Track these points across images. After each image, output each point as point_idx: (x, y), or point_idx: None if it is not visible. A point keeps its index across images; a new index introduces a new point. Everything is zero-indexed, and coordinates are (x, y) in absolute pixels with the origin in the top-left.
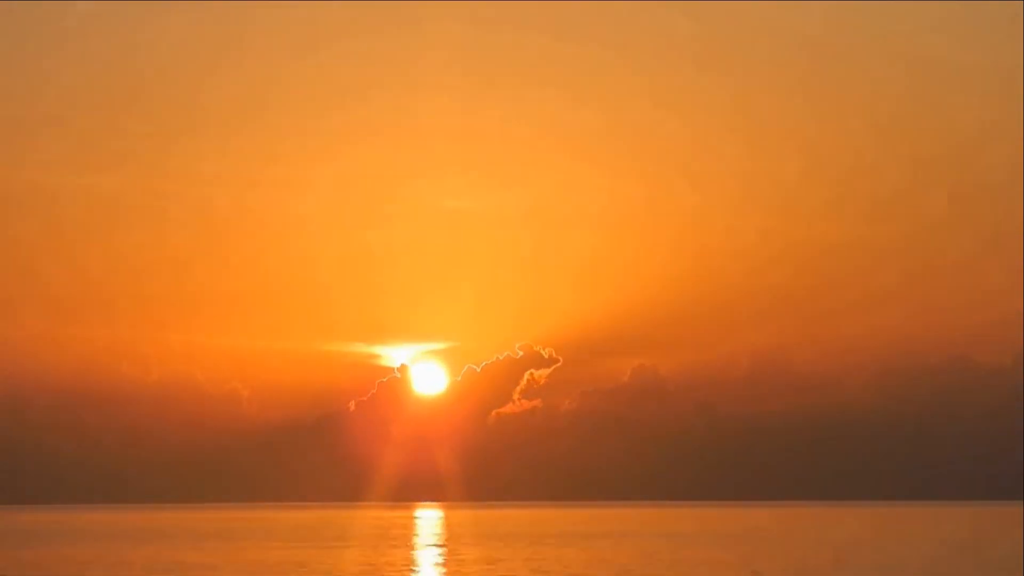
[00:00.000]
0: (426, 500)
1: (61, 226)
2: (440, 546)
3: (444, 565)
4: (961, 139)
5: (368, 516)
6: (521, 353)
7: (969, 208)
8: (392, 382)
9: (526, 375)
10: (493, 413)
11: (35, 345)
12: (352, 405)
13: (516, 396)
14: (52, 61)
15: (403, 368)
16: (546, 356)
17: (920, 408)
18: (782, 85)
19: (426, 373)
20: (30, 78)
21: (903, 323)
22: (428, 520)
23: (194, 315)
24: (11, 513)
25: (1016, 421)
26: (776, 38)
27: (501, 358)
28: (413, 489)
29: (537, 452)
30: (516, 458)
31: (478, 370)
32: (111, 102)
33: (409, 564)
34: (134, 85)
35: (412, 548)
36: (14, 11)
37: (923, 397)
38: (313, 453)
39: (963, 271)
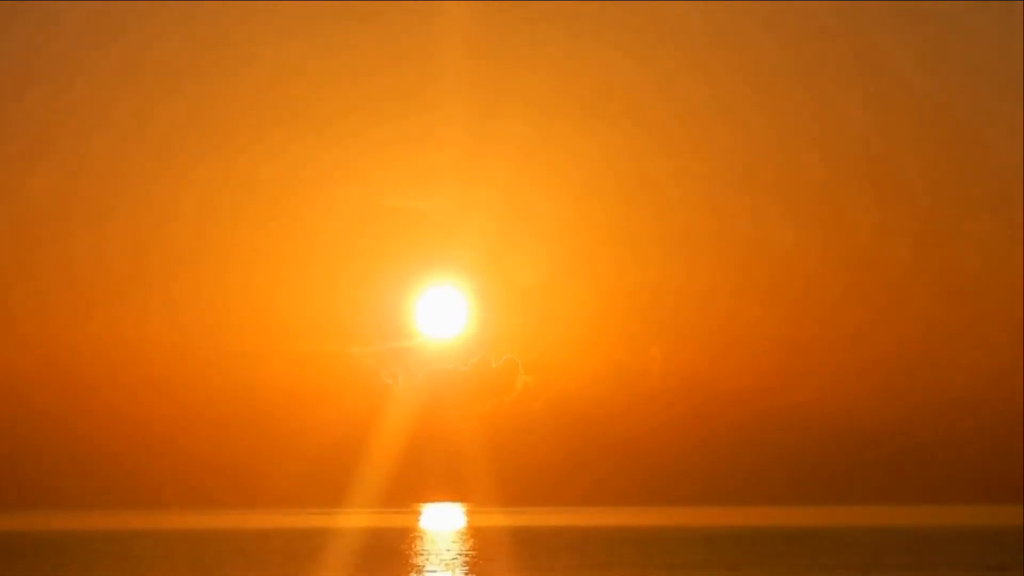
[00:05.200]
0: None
1: (44, 225)
2: None
3: None
4: (961, 138)
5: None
6: (502, 360)
7: (970, 207)
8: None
9: (514, 381)
10: (474, 413)
11: (31, 344)
12: (346, 407)
13: (494, 398)
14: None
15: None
16: (516, 362)
17: (921, 409)
18: (779, 87)
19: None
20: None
21: (903, 323)
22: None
23: (185, 316)
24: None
25: (1016, 423)
26: (771, 38)
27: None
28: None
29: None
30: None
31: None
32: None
33: None
34: (122, 82)
35: None
36: None
37: (924, 398)
38: (298, 457)
39: (963, 271)
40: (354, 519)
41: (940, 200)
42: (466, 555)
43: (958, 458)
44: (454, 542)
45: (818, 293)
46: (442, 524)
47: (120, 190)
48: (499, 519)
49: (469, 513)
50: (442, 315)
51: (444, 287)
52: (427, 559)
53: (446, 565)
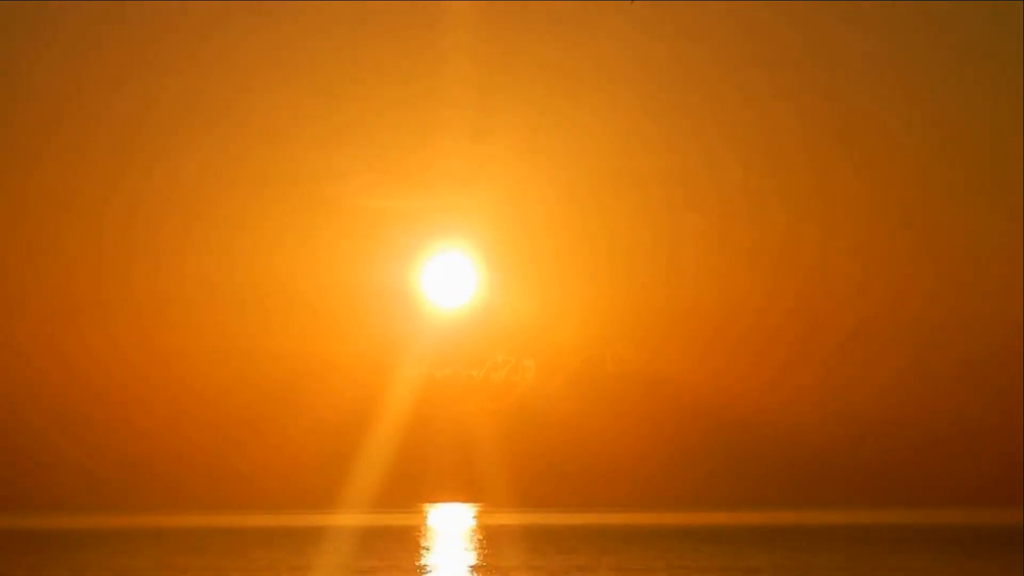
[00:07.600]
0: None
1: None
2: None
3: None
4: (960, 139)
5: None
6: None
7: (969, 206)
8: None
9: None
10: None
11: (30, 347)
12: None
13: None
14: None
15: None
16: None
17: (921, 409)
18: (779, 85)
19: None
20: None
21: (901, 322)
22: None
23: (186, 316)
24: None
25: (1016, 424)
26: (765, 37)
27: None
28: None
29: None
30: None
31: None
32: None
33: None
34: (114, 80)
35: None
36: None
37: (923, 397)
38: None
39: (962, 270)
40: (361, 518)
41: (938, 201)
42: (474, 550)
43: (951, 459)
44: (461, 539)
45: (815, 293)
46: (449, 523)
47: (112, 187)
48: (509, 519)
49: (479, 514)
50: (446, 312)
51: (447, 285)
52: (434, 554)
53: (451, 560)
